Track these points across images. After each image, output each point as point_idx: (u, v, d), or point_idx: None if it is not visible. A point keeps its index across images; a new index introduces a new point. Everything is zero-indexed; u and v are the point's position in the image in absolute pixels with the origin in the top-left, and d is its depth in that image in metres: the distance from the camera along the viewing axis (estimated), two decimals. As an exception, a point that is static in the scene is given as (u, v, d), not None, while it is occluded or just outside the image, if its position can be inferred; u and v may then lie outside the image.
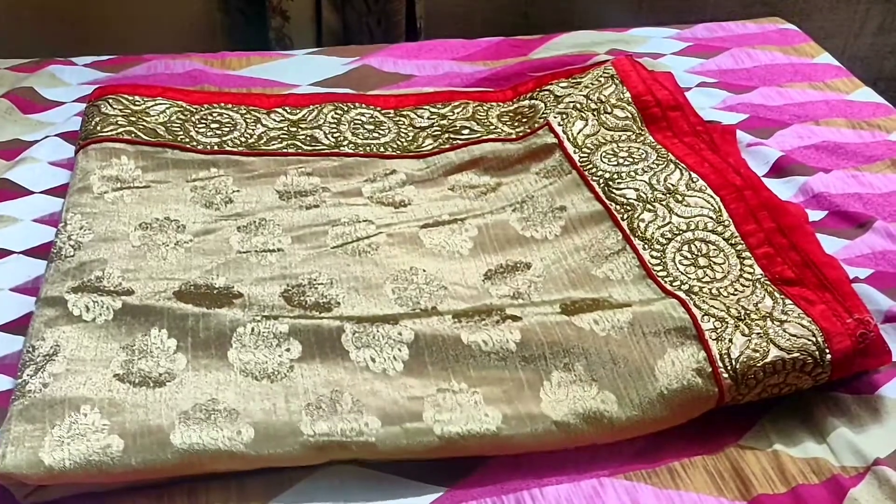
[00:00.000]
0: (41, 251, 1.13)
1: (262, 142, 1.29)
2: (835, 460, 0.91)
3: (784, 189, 1.27)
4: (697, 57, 1.60)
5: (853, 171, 1.32)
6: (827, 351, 0.93)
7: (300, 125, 1.32)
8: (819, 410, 0.96)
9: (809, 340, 0.93)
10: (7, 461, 0.83)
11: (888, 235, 1.19)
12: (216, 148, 1.26)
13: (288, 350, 0.95)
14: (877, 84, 2.30)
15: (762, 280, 1.02)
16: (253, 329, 0.97)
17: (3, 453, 0.84)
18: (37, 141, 1.33)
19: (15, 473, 0.83)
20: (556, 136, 1.26)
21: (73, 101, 1.43)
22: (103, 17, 1.96)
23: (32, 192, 1.23)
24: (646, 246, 1.07)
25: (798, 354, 0.93)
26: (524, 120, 1.33)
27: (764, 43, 1.64)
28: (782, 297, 0.99)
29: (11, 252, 1.13)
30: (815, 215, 1.23)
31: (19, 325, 1.02)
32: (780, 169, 1.31)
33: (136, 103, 1.32)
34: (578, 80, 1.36)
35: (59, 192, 1.22)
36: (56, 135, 1.33)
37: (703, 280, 1.02)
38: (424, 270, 1.08)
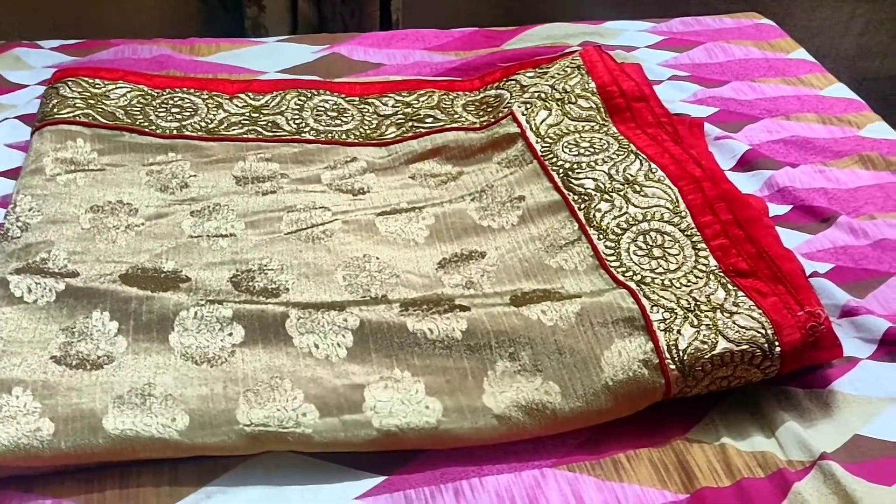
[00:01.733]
0: (-7, 233, 1.11)
1: (222, 127, 1.27)
2: (782, 454, 0.89)
3: (749, 183, 1.26)
4: (671, 50, 1.58)
5: (821, 166, 1.30)
6: (776, 343, 0.92)
7: (262, 111, 1.30)
8: (769, 404, 0.95)
9: (759, 332, 0.92)
10: (-66, 442, 0.82)
11: (851, 231, 1.17)
12: (175, 133, 1.25)
13: (230, 335, 0.94)
14: (862, 84, 2.29)
15: (716, 272, 1.01)
16: (196, 313, 0.95)
17: (-69, 434, 0.83)
18: (-5, 123, 1.31)
19: (-58, 455, 0.81)
20: (520, 125, 1.25)
21: (36, 84, 1.41)
22: (78, 4, 1.95)
23: (-13, 174, 1.22)
24: (600, 236, 1.06)
25: (747, 346, 0.91)
26: (489, 109, 1.32)
27: (739, 38, 1.62)
28: (735, 288, 0.98)
29: (-38, 233, 1.12)
30: (779, 209, 1.21)
31: (-36, 307, 1.01)
32: (746, 162, 1.29)
33: (97, 86, 1.30)
34: (545, 70, 1.35)
35: (14, 174, 1.21)
36: (15, 117, 1.32)
37: (657, 271, 1.01)
38: (378, 258, 1.06)
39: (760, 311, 0.94)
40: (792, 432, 0.91)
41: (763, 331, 0.92)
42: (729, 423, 0.93)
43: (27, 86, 1.41)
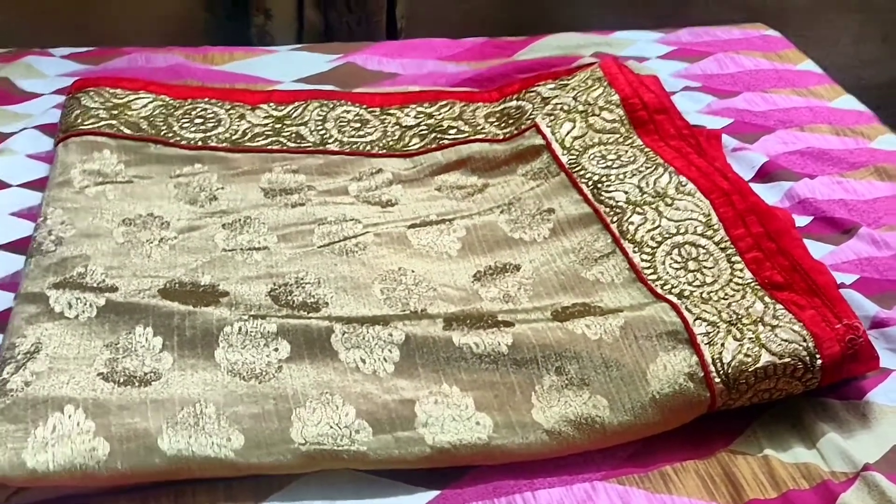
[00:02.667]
0: (19, 245, 1.10)
1: (246, 138, 1.27)
2: (825, 465, 0.91)
3: (769, 194, 1.28)
4: (682, 61, 1.60)
5: (838, 177, 1.33)
6: (817, 356, 0.93)
7: (285, 122, 1.30)
8: (808, 416, 0.96)
9: (800, 346, 0.94)
10: (-12, 462, 0.81)
11: (873, 242, 1.20)
12: (200, 143, 1.24)
13: (276, 350, 0.94)
14: (854, 94, 2.33)
15: (752, 284, 1.02)
16: (240, 328, 0.95)
17: (-17, 453, 0.82)
18: (14, 133, 1.30)
19: (-4, 474, 0.81)
20: (544, 137, 1.26)
21: (52, 93, 1.40)
22: (83, 11, 1.93)
23: (10, 186, 1.20)
24: (636, 249, 1.07)
25: (789, 360, 0.93)
26: (511, 121, 1.32)
27: (748, 48, 1.65)
28: (773, 301, 0.99)
29: (-11, 246, 1.11)
30: (800, 221, 1.23)
31: (-1, 322, 1.00)
32: (765, 174, 1.31)
33: (118, 96, 1.29)
34: (565, 81, 1.36)
35: (38, 185, 1.20)
36: (34, 127, 1.30)
37: (694, 284, 1.02)
38: (413, 271, 1.07)
39: (800, 324, 0.96)
40: (833, 443, 0.92)
41: (804, 343, 0.94)
42: (770, 434, 0.95)
43: (42, 95, 1.40)
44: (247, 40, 1.87)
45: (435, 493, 0.86)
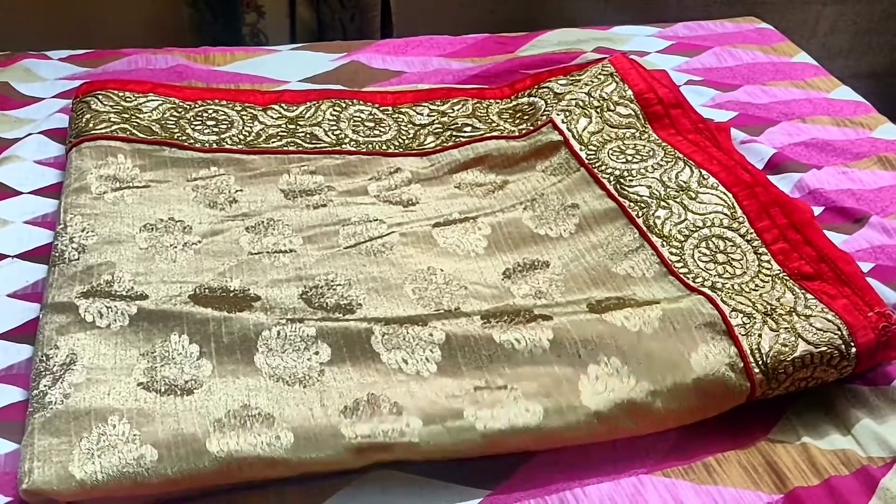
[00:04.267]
0: (37, 254, 1.08)
1: (261, 139, 1.25)
2: (861, 451, 0.93)
3: (780, 185, 1.29)
4: (681, 55, 1.62)
5: (843, 167, 1.35)
6: (852, 344, 0.95)
7: (298, 122, 1.29)
8: (841, 402, 0.98)
9: (835, 334, 0.95)
10: (35, 477, 0.79)
11: (884, 230, 1.22)
12: (215, 146, 1.23)
13: (317, 353, 0.93)
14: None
15: (781, 275, 1.04)
16: (279, 332, 0.94)
17: (29, 469, 0.80)
18: (18, 139, 1.27)
19: (45, 489, 0.79)
20: (561, 133, 1.26)
21: (53, 97, 1.37)
22: (63, 9, 1.89)
23: (21, 193, 1.18)
24: (664, 243, 1.08)
25: (825, 348, 0.94)
26: (525, 117, 1.33)
27: (744, 42, 1.67)
28: (803, 291, 1.01)
29: (5, 256, 1.08)
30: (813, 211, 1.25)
31: (23, 333, 0.98)
32: (774, 166, 1.33)
33: (128, 99, 1.27)
34: (577, 77, 1.36)
35: (49, 192, 1.17)
36: (39, 132, 1.28)
37: (724, 276, 1.03)
38: (442, 270, 1.06)
39: (833, 313, 0.97)
40: (868, 429, 0.94)
41: (839, 332, 0.95)
42: (806, 422, 0.96)
43: (43, 99, 1.37)
44: (237, 39, 1.85)
45: (486, 492, 0.86)
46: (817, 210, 1.26)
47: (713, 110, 1.45)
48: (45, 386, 0.87)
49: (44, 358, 0.91)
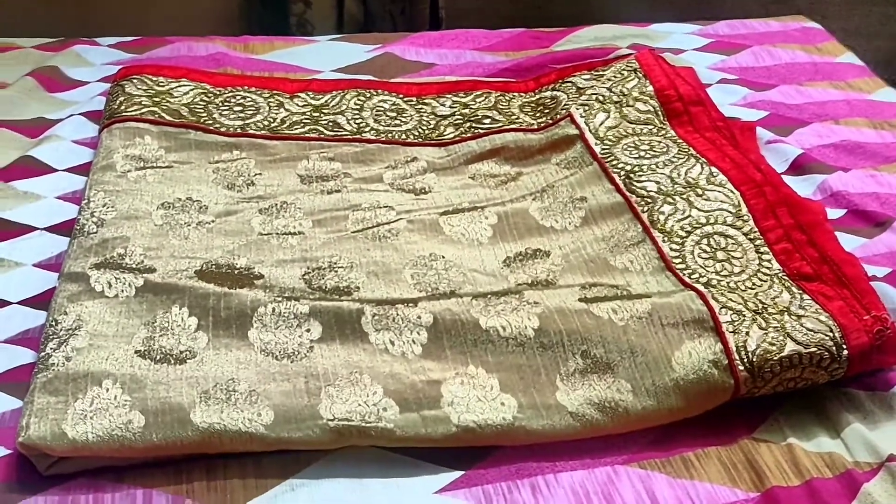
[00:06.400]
0: (64, 228, 1.14)
1: (284, 126, 1.29)
2: (848, 455, 0.91)
3: (802, 187, 1.27)
4: (719, 53, 1.60)
5: (872, 170, 1.32)
6: (844, 346, 0.93)
7: (323, 111, 1.33)
8: (833, 406, 0.96)
9: (826, 336, 0.94)
10: (31, 432, 0.84)
11: (906, 235, 1.19)
12: (239, 131, 1.27)
13: (308, 331, 0.96)
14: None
15: (780, 275, 1.03)
16: (274, 309, 0.98)
17: (26, 424, 0.85)
18: (61, 119, 1.34)
19: (39, 444, 0.84)
20: (578, 127, 1.27)
21: (97, 81, 1.44)
22: (124, 2, 1.97)
23: (56, 170, 1.24)
24: (665, 238, 1.08)
25: (815, 349, 0.93)
26: (546, 111, 1.34)
27: (786, 41, 1.64)
28: (800, 292, 1.00)
29: (35, 228, 1.15)
30: (833, 214, 1.23)
31: (42, 300, 1.04)
32: (798, 167, 1.31)
33: (160, 84, 1.33)
34: (601, 72, 1.37)
35: (83, 170, 1.24)
36: (80, 114, 1.35)
37: (722, 273, 1.03)
38: (444, 257, 1.08)
39: (827, 314, 0.96)
40: (858, 434, 0.92)
41: (831, 334, 0.94)
42: (794, 423, 0.95)
43: (88, 82, 1.44)
44: (285, 29, 1.90)
45: (459, 473, 0.88)
46: (839, 213, 1.24)
47: (743, 109, 1.43)
48: (50, 349, 0.93)
49: (53, 323, 0.96)
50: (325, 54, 1.54)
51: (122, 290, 1.00)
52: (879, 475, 0.88)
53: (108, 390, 0.89)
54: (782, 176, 1.27)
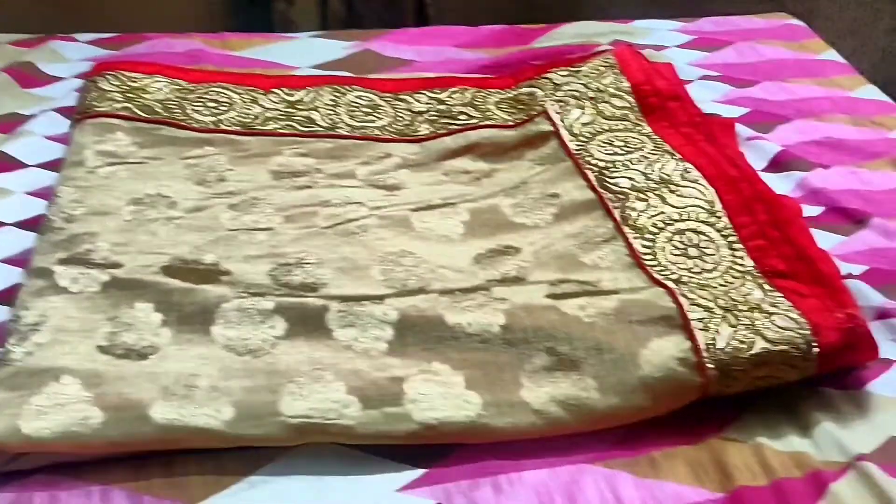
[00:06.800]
0: (34, 223, 1.13)
1: (258, 122, 1.29)
2: (818, 455, 0.90)
3: (782, 184, 1.26)
4: (701, 50, 1.59)
5: (853, 167, 1.31)
6: (814, 344, 0.92)
7: (297, 107, 1.32)
8: (805, 405, 0.95)
9: (797, 333, 0.92)
10: (-14, 428, 0.83)
11: (885, 233, 1.18)
12: (212, 126, 1.26)
13: (272, 327, 0.95)
14: (886, 87, 2.29)
15: (753, 272, 1.01)
16: (238, 305, 0.97)
17: (-18, 419, 0.84)
18: (34, 115, 1.33)
19: (-6, 441, 0.83)
20: (553, 123, 1.26)
21: (73, 77, 1.43)
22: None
23: (27, 166, 1.24)
24: (636, 235, 1.06)
25: (785, 347, 0.92)
26: (522, 107, 1.32)
27: (769, 38, 1.63)
28: (772, 289, 0.99)
29: (4, 224, 1.14)
30: (812, 211, 1.22)
31: (9, 296, 1.02)
32: (778, 163, 1.30)
33: (134, 80, 1.32)
34: (578, 68, 1.36)
35: (54, 165, 1.23)
36: (54, 109, 1.34)
37: (693, 270, 1.02)
38: (413, 253, 1.07)
39: (798, 312, 0.95)
40: (827, 433, 0.91)
41: (801, 331, 0.93)
42: (764, 422, 0.94)
43: (64, 78, 1.43)
44: (269, 27, 1.89)
45: (421, 471, 0.87)
46: (817, 210, 1.22)
47: (725, 106, 1.42)
48: (12, 344, 0.92)
49: (16, 318, 0.95)
50: (304, 51, 1.53)
51: (88, 286, 0.99)
52: (847, 475, 0.87)
53: (67, 386, 0.87)
54: (762, 173, 1.26)
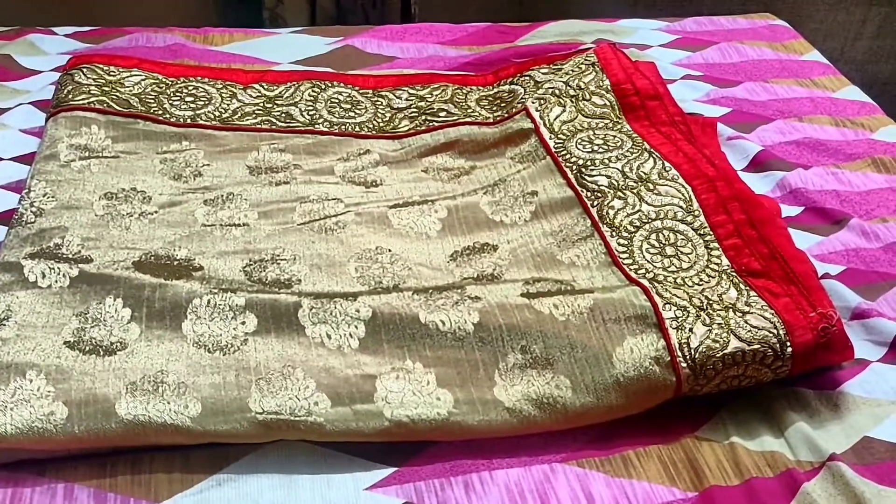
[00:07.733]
0: (7, 217, 1.12)
1: (236, 116, 1.27)
2: (791, 454, 0.89)
3: (762, 184, 1.26)
4: (685, 50, 1.58)
5: (833, 168, 1.30)
6: (788, 344, 0.92)
7: (276, 102, 1.31)
8: (779, 404, 0.94)
9: (770, 332, 0.92)
10: (-51, 424, 0.82)
11: (863, 233, 1.17)
12: (189, 121, 1.25)
13: (243, 323, 0.94)
14: (873, 88, 2.29)
15: (728, 271, 1.01)
16: (209, 301, 0.96)
17: (-55, 416, 0.83)
18: (10, 108, 1.32)
19: (-45, 437, 0.82)
20: (533, 121, 1.25)
21: (51, 71, 1.41)
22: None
23: (1, 159, 1.22)
24: (613, 233, 1.06)
25: (758, 346, 0.91)
26: (502, 104, 1.32)
27: (753, 38, 1.62)
28: (747, 288, 0.98)
29: (-24, 217, 1.12)
30: (791, 211, 1.21)
31: (-23, 290, 1.01)
32: (758, 163, 1.29)
33: (111, 73, 1.30)
34: (559, 66, 1.35)
35: (28, 159, 1.21)
36: (29, 103, 1.32)
37: (669, 269, 1.01)
38: (390, 250, 1.06)
39: (773, 311, 0.94)
40: (801, 433, 0.91)
41: (775, 331, 0.92)
42: (738, 422, 0.93)
43: (41, 72, 1.42)
44: (259, 23, 1.88)
45: (391, 469, 0.86)
46: (797, 210, 1.22)
47: (706, 106, 1.42)
48: (-24, 340, 0.90)
49: (-19, 313, 0.94)
50: (285, 47, 1.52)
51: (56, 281, 0.97)
52: (820, 475, 0.87)
53: (31, 381, 0.86)
54: (742, 172, 1.26)
